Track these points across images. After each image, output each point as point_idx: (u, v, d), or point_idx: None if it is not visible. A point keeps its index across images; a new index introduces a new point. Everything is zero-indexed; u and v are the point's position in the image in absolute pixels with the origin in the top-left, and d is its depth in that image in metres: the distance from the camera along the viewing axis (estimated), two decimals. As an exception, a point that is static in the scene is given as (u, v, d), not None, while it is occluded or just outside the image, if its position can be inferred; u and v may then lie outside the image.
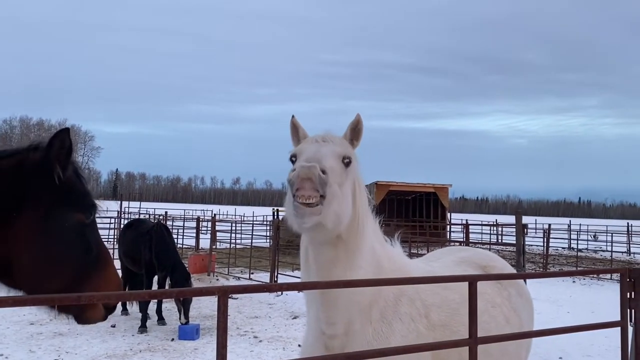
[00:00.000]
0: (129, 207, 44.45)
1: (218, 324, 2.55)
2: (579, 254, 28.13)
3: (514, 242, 10.95)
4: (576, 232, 36.39)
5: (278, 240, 16.85)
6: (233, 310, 12.30)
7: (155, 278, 11.63)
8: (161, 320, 11.34)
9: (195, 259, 19.18)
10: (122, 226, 17.49)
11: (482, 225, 39.27)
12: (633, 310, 4.19)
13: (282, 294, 14.37)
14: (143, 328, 10.65)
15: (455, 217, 56.01)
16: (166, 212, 35.00)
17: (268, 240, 24.56)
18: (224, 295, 2.56)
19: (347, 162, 3.03)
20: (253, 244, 21.92)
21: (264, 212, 62.65)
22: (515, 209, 11.34)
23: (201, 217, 31.02)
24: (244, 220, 36.81)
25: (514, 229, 11.09)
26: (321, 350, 3.24)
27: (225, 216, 52.18)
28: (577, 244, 33.50)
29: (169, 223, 28.25)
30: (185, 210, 49.86)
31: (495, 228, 38.62)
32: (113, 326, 10.87)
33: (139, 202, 54.35)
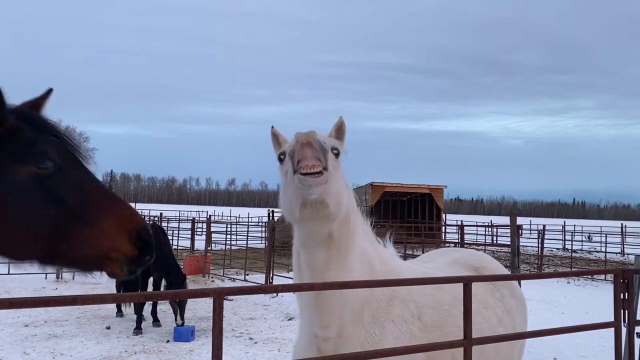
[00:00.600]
0: (124, 209, 44.14)
1: (213, 326, 2.55)
2: (574, 254, 28.20)
3: (509, 243, 10.97)
4: (570, 233, 36.45)
5: (273, 241, 16.82)
6: (228, 312, 12.28)
7: (151, 279, 11.60)
8: (156, 322, 11.30)
9: (190, 261, 19.12)
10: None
11: (477, 226, 39.41)
12: (627, 311, 4.22)
13: (277, 295, 14.36)
14: (138, 330, 10.62)
15: (450, 218, 56.19)
16: (161, 214, 34.91)
17: (263, 242, 24.48)
18: (219, 296, 2.56)
19: (336, 152, 3.00)
20: (248, 245, 21.87)
21: (260, 213, 62.67)
22: (510, 210, 11.33)
23: (196, 218, 30.97)
24: (239, 222, 36.74)
25: (509, 230, 11.12)
26: (314, 353, 3.23)
27: (220, 217, 52.15)
28: (572, 244, 33.57)
29: (164, 224, 28.14)
30: (181, 212, 49.84)
31: (490, 229, 38.77)
32: (108, 328, 10.85)
33: (134, 204, 54.17)
